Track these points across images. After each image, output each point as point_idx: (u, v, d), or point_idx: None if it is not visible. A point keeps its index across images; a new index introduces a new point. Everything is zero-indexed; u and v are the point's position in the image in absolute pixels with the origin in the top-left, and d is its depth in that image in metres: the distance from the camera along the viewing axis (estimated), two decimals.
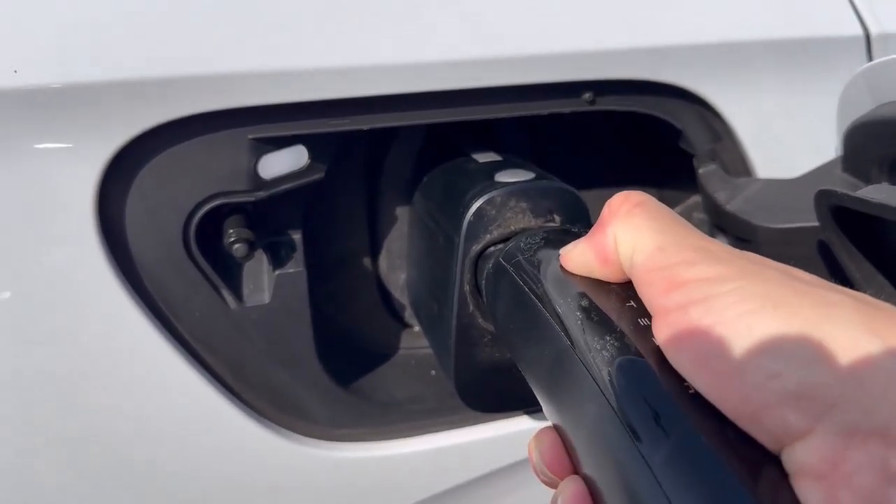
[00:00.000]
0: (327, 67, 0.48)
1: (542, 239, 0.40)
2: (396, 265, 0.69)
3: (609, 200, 0.31)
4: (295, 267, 0.56)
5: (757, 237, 0.54)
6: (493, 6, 0.52)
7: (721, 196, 0.58)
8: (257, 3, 0.48)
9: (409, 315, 0.70)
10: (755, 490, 0.21)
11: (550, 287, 0.34)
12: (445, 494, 0.63)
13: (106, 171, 0.46)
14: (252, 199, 0.51)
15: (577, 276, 0.33)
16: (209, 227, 0.52)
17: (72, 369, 0.49)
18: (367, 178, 0.66)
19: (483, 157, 0.57)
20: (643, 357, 0.27)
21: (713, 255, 0.26)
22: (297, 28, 0.47)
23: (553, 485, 0.30)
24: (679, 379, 0.25)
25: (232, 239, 0.51)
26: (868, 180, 0.51)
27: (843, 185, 0.52)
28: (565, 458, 0.30)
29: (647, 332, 0.27)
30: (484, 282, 0.45)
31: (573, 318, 0.31)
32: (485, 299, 0.46)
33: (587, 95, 0.55)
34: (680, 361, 0.24)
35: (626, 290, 0.30)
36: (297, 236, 0.57)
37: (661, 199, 0.31)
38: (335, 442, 0.59)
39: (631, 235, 0.29)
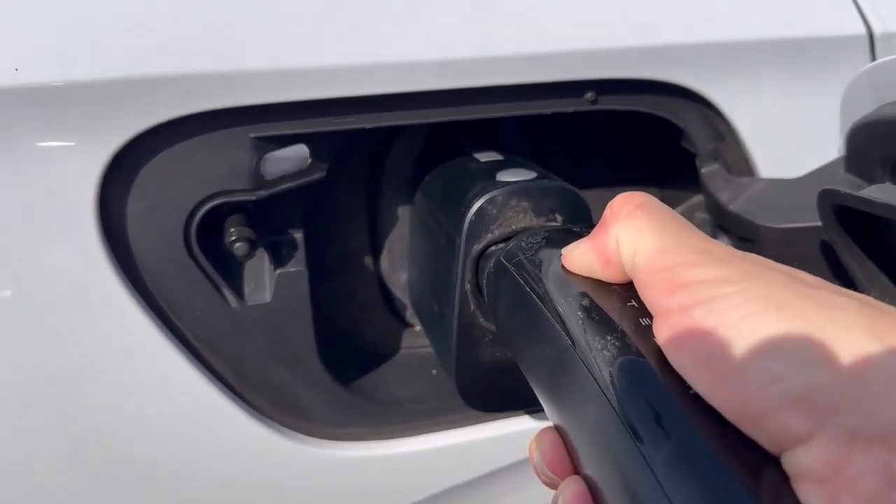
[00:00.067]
0: (329, 66, 0.48)
1: (543, 238, 0.40)
2: (398, 265, 0.69)
3: (611, 202, 0.31)
4: (296, 266, 0.56)
5: (760, 237, 0.54)
6: (495, 5, 0.52)
7: (724, 196, 0.58)
8: (259, 2, 0.48)
9: (410, 314, 0.70)
10: (756, 492, 0.21)
11: (552, 286, 0.34)
12: (446, 494, 0.62)
13: (107, 170, 0.46)
14: (253, 198, 0.51)
15: (578, 275, 0.33)
16: (210, 226, 0.52)
17: (72, 368, 0.49)
18: (368, 177, 0.66)
19: (485, 157, 0.57)
20: (644, 357, 0.26)
21: (715, 256, 0.26)
22: (299, 27, 0.47)
23: (554, 485, 0.30)
24: (680, 380, 0.24)
25: (233, 238, 0.51)
26: (871, 180, 0.50)
27: (846, 185, 0.52)
28: (566, 459, 0.30)
29: (648, 331, 0.27)
30: (485, 281, 0.45)
31: (574, 318, 0.31)
32: (486, 299, 0.46)
33: (589, 95, 0.55)
34: (681, 363, 0.24)
35: (627, 290, 0.30)
36: (298, 235, 0.57)
37: (663, 199, 0.31)
38: (336, 441, 0.59)
39: (632, 237, 0.29)
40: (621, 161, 0.77)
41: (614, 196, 0.31)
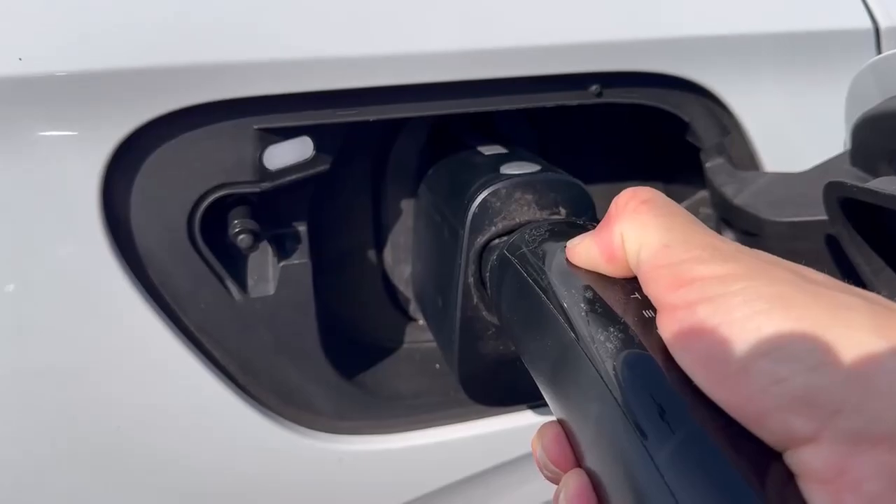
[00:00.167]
0: (334, 57, 0.47)
1: (546, 231, 0.40)
2: (401, 258, 0.69)
3: (616, 197, 0.31)
4: (300, 258, 0.56)
5: (764, 231, 0.53)
6: None
7: (728, 190, 0.58)
8: None
9: (413, 308, 0.70)
10: (761, 488, 0.21)
11: (555, 279, 0.34)
12: (449, 489, 0.62)
13: (111, 161, 0.46)
14: (257, 189, 0.51)
15: (582, 269, 0.32)
16: (214, 218, 0.52)
17: (75, 361, 0.49)
18: (372, 170, 0.66)
19: (489, 150, 0.57)
20: (647, 350, 0.26)
21: (722, 253, 0.25)
22: (304, 18, 0.47)
23: (556, 480, 0.30)
24: (684, 374, 0.24)
25: (237, 230, 0.51)
26: (876, 174, 0.50)
27: (852, 178, 0.52)
28: (569, 452, 0.30)
29: (651, 324, 0.27)
30: (488, 274, 0.45)
31: (577, 310, 0.30)
32: (489, 292, 0.46)
33: (594, 88, 0.55)
34: (685, 359, 0.24)
35: (631, 283, 0.30)
36: (302, 228, 0.57)
37: (668, 195, 0.31)
38: (339, 435, 0.59)
39: (637, 233, 0.28)
40: (625, 156, 0.77)
41: (618, 191, 0.31)
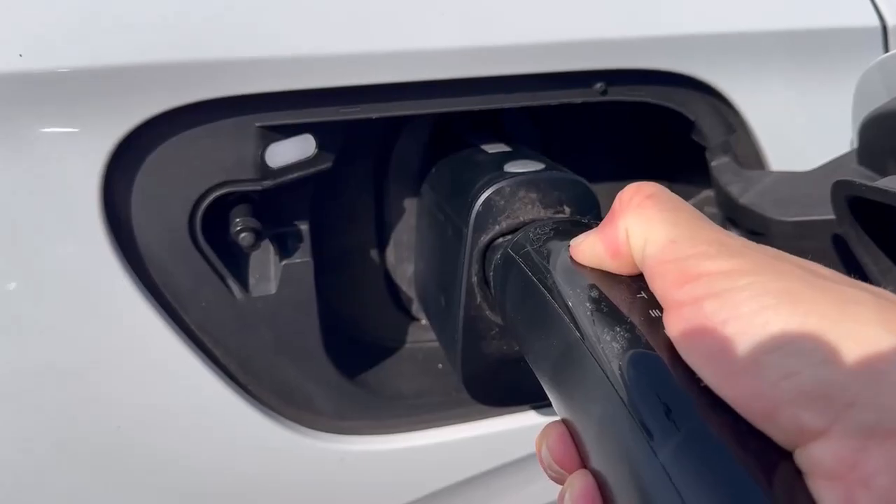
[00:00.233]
0: (336, 54, 0.47)
1: (551, 230, 0.39)
2: (404, 257, 0.68)
3: (620, 192, 0.31)
4: (302, 257, 0.55)
5: (770, 231, 0.53)
6: None
7: (734, 189, 0.57)
8: None
9: (416, 308, 0.70)
10: (768, 487, 0.21)
11: (560, 278, 0.33)
12: (451, 489, 0.62)
13: (111, 158, 0.46)
14: (259, 187, 0.51)
15: (587, 267, 0.32)
16: (216, 217, 0.52)
17: (75, 360, 0.49)
18: (375, 168, 0.66)
19: (492, 148, 0.56)
20: (654, 349, 0.26)
21: (728, 248, 0.25)
22: (306, 14, 0.47)
23: (560, 480, 0.30)
24: (691, 373, 0.24)
25: (238, 228, 0.51)
26: (884, 173, 0.50)
27: (859, 177, 0.51)
28: (573, 452, 0.29)
29: (658, 323, 0.27)
30: (492, 273, 0.45)
31: (582, 310, 0.30)
32: (493, 291, 0.46)
33: (599, 85, 0.55)
34: (692, 356, 0.24)
35: (637, 281, 0.30)
36: (303, 227, 0.57)
37: None
38: (341, 435, 0.59)
39: (642, 228, 0.28)
40: (629, 154, 0.76)
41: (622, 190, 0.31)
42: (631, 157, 0.76)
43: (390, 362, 0.66)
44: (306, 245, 0.56)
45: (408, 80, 0.50)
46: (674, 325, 0.25)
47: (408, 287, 0.69)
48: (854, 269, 0.48)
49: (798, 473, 0.21)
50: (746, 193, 0.56)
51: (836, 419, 0.20)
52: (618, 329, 0.28)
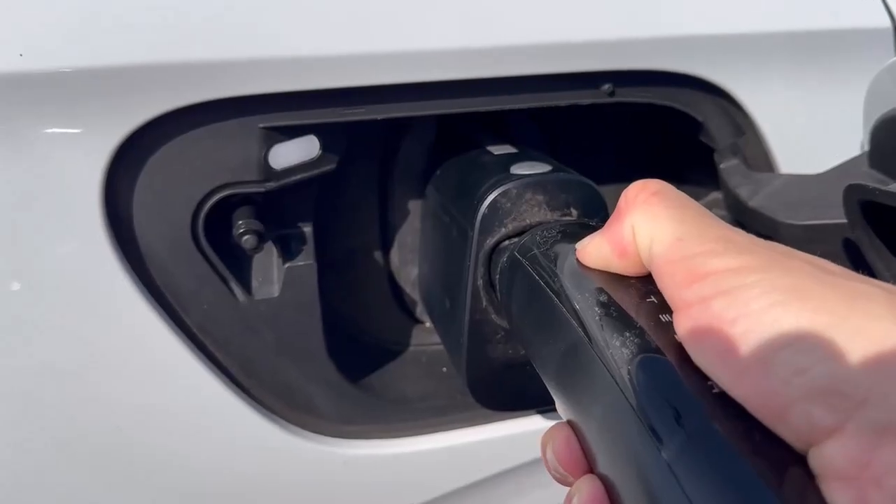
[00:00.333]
0: (341, 55, 0.47)
1: (558, 232, 0.39)
2: (408, 259, 0.68)
3: (625, 190, 0.30)
4: (305, 260, 0.55)
5: (780, 234, 0.52)
6: None
7: (743, 192, 0.57)
8: None
9: (420, 310, 0.70)
10: (780, 491, 0.20)
11: (567, 281, 0.33)
12: (455, 494, 0.62)
13: (113, 159, 0.46)
14: (262, 189, 0.50)
15: (594, 270, 0.32)
16: (218, 219, 0.52)
17: (76, 362, 0.49)
18: (379, 169, 0.66)
19: (498, 149, 0.56)
20: (663, 354, 0.26)
21: (737, 245, 0.25)
22: (311, 14, 0.46)
23: (565, 481, 0.30)
24: (702, 377, 0.24)
25: (241, 230, 0.51)
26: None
27: (871, 180, 0.51)
28: (580, 456, 0.29)
29: (668, 328, 0.27)
30: (498, 276, 0.45)
31: (591, 314, 0.30)
32: (499, 294, 0.45)
33: (606, 87, 0.54)
34: (702, 357, 0.24)
35: (645, 284, 0.30)
36: (307, 229, 0.57)
37: None
38: (344, 439, 0.58)
39: (649, 226, 0.28)
40: (635, 156, 0.76)
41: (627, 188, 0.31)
42: (637, 159, 0.76)
43: (394, 365, 0.66)
44: (310, 247, 0.56)
45: (412, 81, 0.49)
46: (683, 325, 0.25)
47: (412, 289, 0.69)
48: (865, 272, 0.48)
49: (810, 477, 0.20)
50: (756, 196, 0.56)
51: (849, 416, 0.20)
52: (627, 334, 0.27)
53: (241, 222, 0.51)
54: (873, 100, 0.53)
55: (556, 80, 0.53)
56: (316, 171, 0.52)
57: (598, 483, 0.27)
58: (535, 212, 0.46)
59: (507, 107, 0.53)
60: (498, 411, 0.59)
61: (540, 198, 0.46)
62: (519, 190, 0.46)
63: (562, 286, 0.33)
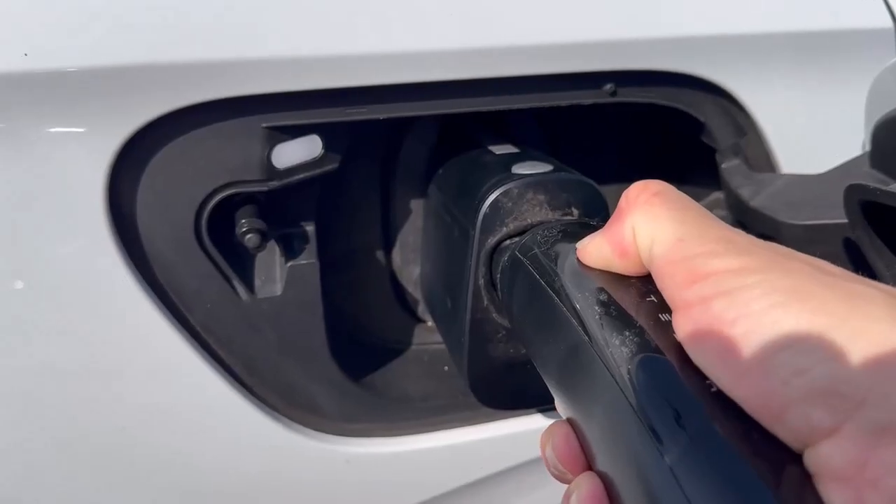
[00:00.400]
0: (343, 54, 0.47)
1: (559, 232, 0.39)
2: (410, 259, 0.68)
3: (626, 190, 0.30)
4: (307, 259, 0.55)
5: (781, 234, 0.53)
6: None
7: (745, 192, 0.57)
8: None
9: (422, 310, 0.70)
10: (777, 490, 0.20)
11: (567, 281, 0.33)
12: (456, 493, 0.62)
13: (117, 158, 0.46)
14: (265, 188, 0.51)
15: (595, 269, 0.32)
16: (221, 218, 0.52)
17: (80, 360, 0.49)
18: (381, 169, 0.66)
19: (500, 149, 0.56)
20: (663, 353, 0.26)
21: (737, 246, 0.25)
22: (313, 14, 0.47)
23: (564, 478, 0.30)
24: (701, 376, 0.24)
25: (244, 229, 0.51)
26: None
27: (872, 181, 0.51)
28: (579, 453, 0.30)
29: (667, 327, 0.27)
30: (499, 275, 0.45)
31: (591, 313, 0.30)
32: (500, 293, 0.45)
33: (608, 87, 0.54)
34: (701, 357, 0.24)
35: (645, 284, 0.30)
36: (309, 228, 0.57)
37: None
38: (346, 437, 0.59)
39: (649, 226, 0.28)
40: (637, 157, 0.76)
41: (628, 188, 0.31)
42: (639, 159, 0.76)
43: (396, 364, 0.66)
44: (312, 246, 0.56)
45: (414, 81, 0.49)
46: (683, 326, 0.25)
47: (414, 289, 0.69)
48: (866, 272, 0.48)
49: (807, 477, 0.20)
50: (757, 196, 0.56)
51: (847, 418, 0.20)
52: (627, 333, 0.27)
53: (243, 221, 0.51)
54: (875, 100, 0.53)
55: (557, 80, 0.53)
56: (318, 171, 0.53)
57: (597, 480, 0.27)
58: (537, 211, 0.46)
59: (509, 107, 0.53)
60: (499, 409, 0.59)
61: (541, 197, 0.46)
62: (520, 189, 0.46)
63: (562, 285, 0.33)
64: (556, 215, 0.47)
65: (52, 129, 0.44)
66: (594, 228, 0.36)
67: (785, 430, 0.21)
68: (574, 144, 0.73)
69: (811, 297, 0.22)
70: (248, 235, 0.51)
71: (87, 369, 0.49)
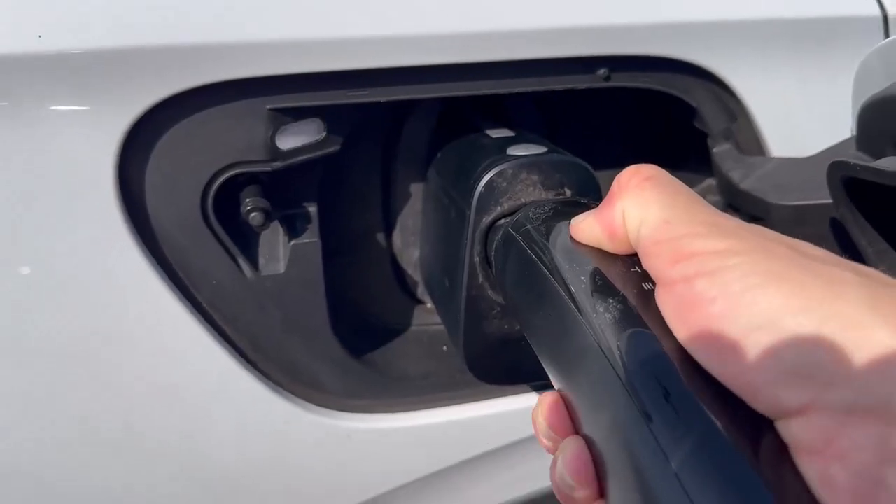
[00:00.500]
0: (346, 38, 0.48)
1: (551, 209, 0.40)
2: (410, 242, 0.69)
3: (619, 174, 0.31)
4: (310, 238, 0.56)
5: (770, 215, 0.54)
6: None
7: (735, 175, 0.58)
8: None
9: (421, 291, 0.71)
10: (755, 457, 0.22)
11: (558, 255, 0.34)
12: (455, 468, 0.63)
13: (126, 138, 0.47)
14: (269, 169, 0.52)
15: (585, 246, 0.33)
16: (227, 197, 0.53)
17: (88, 337, 0.50)
18: (382, 153, 0.67)
19: (496, 133, 0.57)
20: (645, 320, 0.27)
21: (723, 229, 0.26)
22: None
23: (553, 449, 0.31)
24: (680, 345, 0.25)
25: (249, 208, 0.52)
26: (881, 157, 0.50)
27: (857, 161, 0.52)
28: (567, 420, 0.30)
29: (650, 295, 0.28)
30: (493, 253, 0.46)
31: (578, 283, 0.31)
32: (494, 271, 0.46)
33: (602, 72, 0.55)
34: (682, 333, 0.24)
35: (632, 258, 0.31)
36: (312, 209, 0.58)
37: None
38: (347, 412, 0.60)
39: (639, 209, 0.29)
40: (632, 142, 0.77)
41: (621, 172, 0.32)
42: (634, 145, 0.76)
43: (396, 344, 0.67)
44: (314, 226, 0.57)
45: (415, 64, 0.50)
46: (666, 303, 0.25)
47: (413, 271, 0.70)
48: (852, 251, 0.49)
49: (784, 446, 0.21)
50: (747, 179, 0.57)
51: (817, 397, 0.20)
52: (611, 301, 0.29)
53: (248, 200, 0.52)
54: (861, 84, 0.53)
55: (552, 64, 0.54)
56: (321, 153, 0.54)
57: (581, 443, 0.28)
58: (530, 191, 0.47)
59: (506, 90, 0.54)
60: (494, 385, 0.61)
61: (535, 177, 0.47)
62: (514, 170, 0.47)
63: (553, 259, 0.34)
64: (550, 195, 0.47)
65: (61, 109, 0.45)
66: (585, 206, 0.37)
67: (759, 406, 0.22)
68: (572, 129, 0.74)
69: (789, 280, 0.22)
70: (253, 214, 0.52)
71: (95, 346, 0.50)
